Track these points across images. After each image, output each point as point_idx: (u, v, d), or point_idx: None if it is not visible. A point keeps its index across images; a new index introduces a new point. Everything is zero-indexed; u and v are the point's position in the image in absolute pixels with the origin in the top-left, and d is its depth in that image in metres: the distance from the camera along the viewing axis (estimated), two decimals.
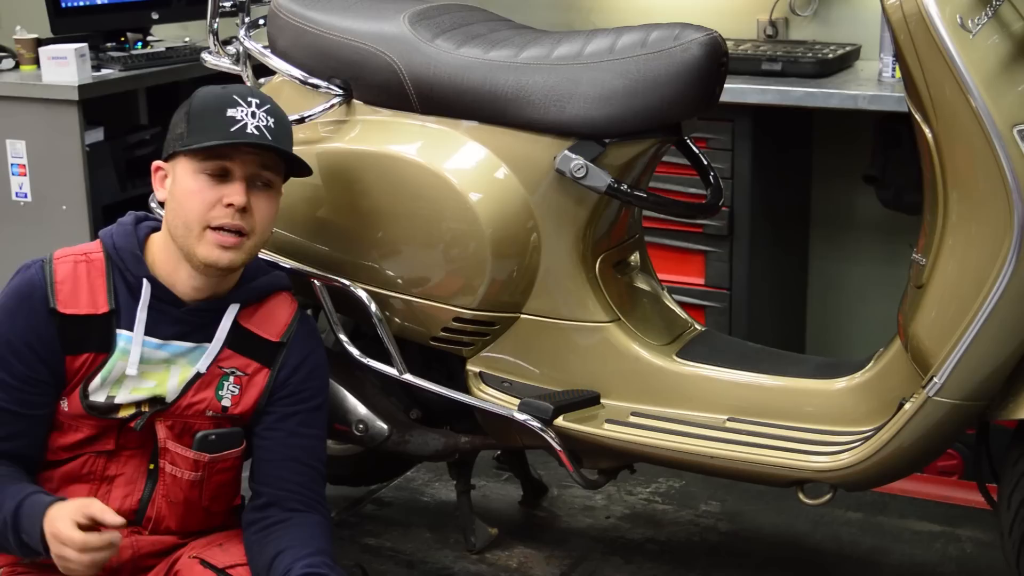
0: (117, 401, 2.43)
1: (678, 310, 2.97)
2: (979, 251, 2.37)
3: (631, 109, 2.63)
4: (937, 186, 2.42)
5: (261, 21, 3.05)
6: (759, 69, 3.80)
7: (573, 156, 2.64)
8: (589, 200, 2.71)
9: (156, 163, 2.49)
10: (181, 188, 2.41)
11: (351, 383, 2.97)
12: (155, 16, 4.57)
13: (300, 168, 2.52)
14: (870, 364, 2.66)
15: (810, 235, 4.28)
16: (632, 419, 2.76)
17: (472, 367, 2.86)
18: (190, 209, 2.39)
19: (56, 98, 4.15)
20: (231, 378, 2.50)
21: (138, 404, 2.44)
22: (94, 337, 2.42)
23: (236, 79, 3.03)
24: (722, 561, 3.16)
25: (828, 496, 2.67)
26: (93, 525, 2.23)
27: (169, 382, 2.45)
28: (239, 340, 2.51)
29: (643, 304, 2.90)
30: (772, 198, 3.95)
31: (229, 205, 2.38)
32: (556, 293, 2.78)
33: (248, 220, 2.40)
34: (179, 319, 2.46)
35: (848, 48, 3.96)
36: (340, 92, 2.85)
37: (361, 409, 2.97)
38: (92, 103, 4.19)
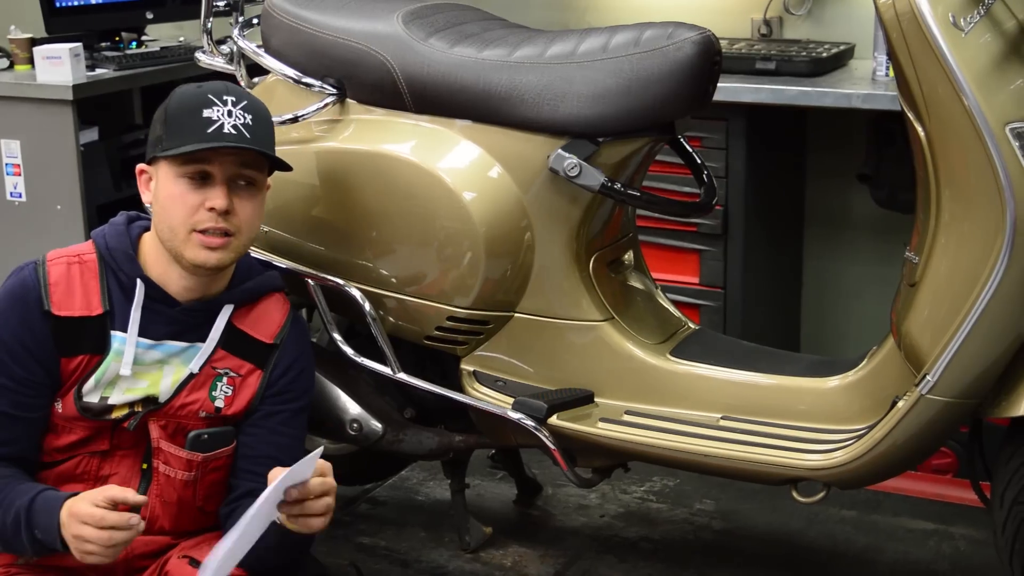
0: (111, 402, 2.42)
1: (672, 309, 2.98)
2: (971, 249, 2.38)
3: (624, 108, 2.63)
4: (930, 185, 2.42)
5: (255, 20, 3.05)
6: (753, 68, 3.80)
7: (567, 155, 2.65)
8: (583, 199, 2.71)
9: (140, 166, 2.48)
10: (164, 192, 2.41)
11: (345, 382, 2.97)
12: (149, 16, 4.57)
13: (280, 163, 2.51)
14: (863, 362, 2.66)
15: (804, 234, 4.29)
16: (626, 418, 2.76)
17: (466, 366, 2.86)
18: (174, 214, 2.39)
19: (51, 98, 4.15)
20: (224, 379, 2.49)
21: (131, 404, 2.44)
22: (88, 339, 2.42)
23: (230, 78, 3.03)
24: (716, 560, 3.16)
25: (822, 494, 2.67)
26: (113, 509, 2.23)
27: (162, 382, 2.45)
28: (233, 341, 2.51)
29: (637, 303, 2.90)
30: (766, 197, 3.95)
31: (211, 209, 2.38)
32: (550, 292, 2.78)
33: (232, 221, 2.40)
34: (173, 319, 2.46)
35: (842, 47, 3.97)
36: (334, 91, 2.85)
37: (355, 408, 2.97)
38: (87, 103, 4.19)
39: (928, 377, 2.44)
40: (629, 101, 2.62)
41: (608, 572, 3.10)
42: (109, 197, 4.32)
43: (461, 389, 2.86)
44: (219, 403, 2.48)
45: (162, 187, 2.41)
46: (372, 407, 2.97)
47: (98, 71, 4.29)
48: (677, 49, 2.60)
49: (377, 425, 2.95)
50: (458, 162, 2.75)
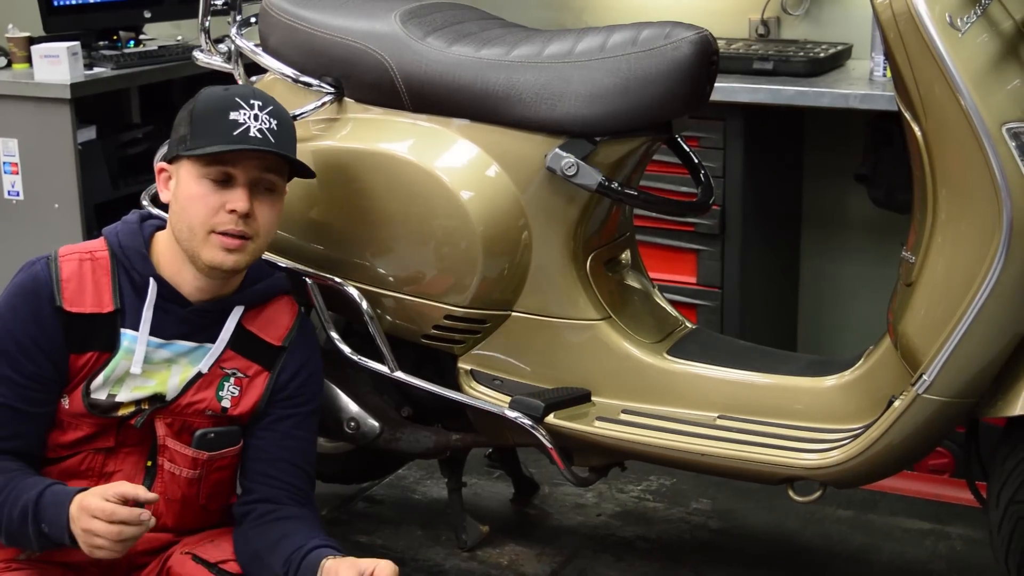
0: (118, 399, 2.43)
1: (669, 308, 2.98)
2: (968, 249, 2.38)
3: (622, 107, 2.63)
4: (927, 184, 2.43)
5: (253, 19, 3.05)
6: (751, 68, 3.81)
7: (564, 154, 2.65)
8: (580, 198, 2.72)
9: (160, 164, 2.49)
10: (185, 192, 2.42)
11: (342, 381, 2.98)
12: (147, 15, 4.57)
13: (303, 169, 2.52)
14: (860, 362, 2.67)
15: (801, 234, 4.29)
16: (623, 417, 2.76)
17: (463, 365, 2.86)
18: (194, 214, 2.40)
19: (48, 96, 4.15)
20: (232, 379, 2.50)
21: (138, 402, 2.44)
22: (98, 336, 2.42)
23: (228, 77, 3.03)
24: (712, 559, 3.16)
25: (818, 493, 2.67)
26: (124, 505, 2.23)
27: (170, 381, 2.46)
28: (242, 342, 2.52)
29: (634, 302, 2.91)
30: (764, 197, 3.95)
31: (232, 211, 2.39)
32: (547, 291, 2.79)
33: (251, 225, 2.41)
34: (184, 319, 2.46)
35: (839, 47, 3.97)
36: (331, 90, 2.85)
37: (353, 407, 2.97)
38: (84, 101, 4.20)
39: (924, 377, 2.44)
40: (626, 100, 2.63)
41: (605, 571, 3.11)
42: (107, 196, 4.32)
43: (458, 388, 2.86)
44: (225, 403, 2.49)
45: (183, 187, 2.42)
46: (369, 406, 2.97)
47: (96, 70, 4.30)
48: (674, 49, 2.60)
49: (374, 423, 2.95)
50: (456, 161, 2.75)
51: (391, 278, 2.82)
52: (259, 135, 2.39)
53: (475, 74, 2.71)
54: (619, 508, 3.40)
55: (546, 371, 2.82)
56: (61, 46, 4.13)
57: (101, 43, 4.45)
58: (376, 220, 2.79)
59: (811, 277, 4.30)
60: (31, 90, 4.19)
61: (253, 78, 3.04)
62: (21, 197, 4.26)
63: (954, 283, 2.41)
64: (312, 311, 2.95)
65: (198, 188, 2.40)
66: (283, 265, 2.86)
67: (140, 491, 2.23)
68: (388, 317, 2.86)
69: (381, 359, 2.86)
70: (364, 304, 2.83)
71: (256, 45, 2.98)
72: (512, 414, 2.76)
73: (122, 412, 2.44)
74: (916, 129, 2.41)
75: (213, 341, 2.49)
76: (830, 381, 2.68)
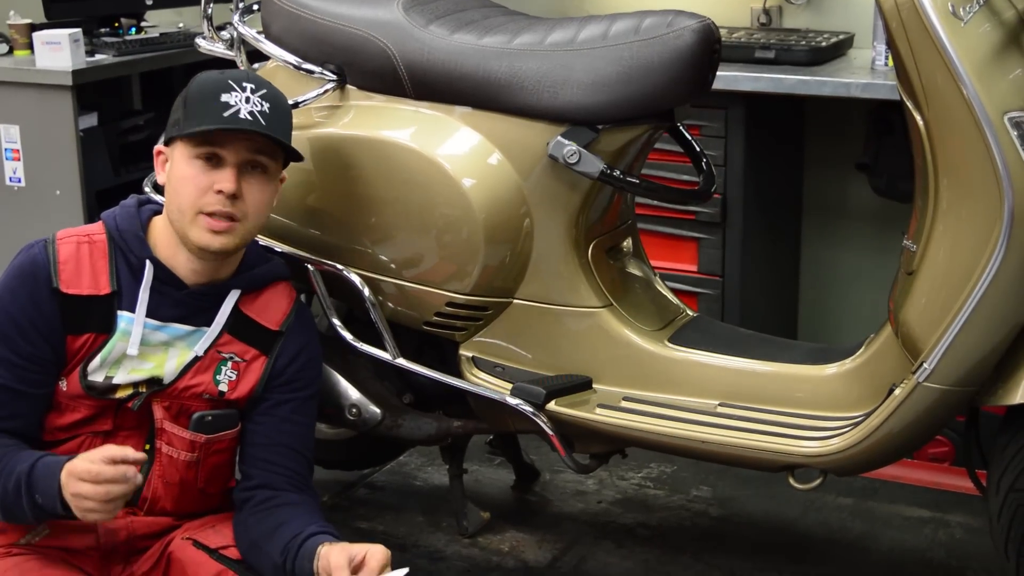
0: (115, 382, 2.44)
1: (670, 296, 2.98)
2: (969, 238, 2.38)
3: (624, 95, 2.64)
4: (928, 173, 2.43)
5: (255, 6, 3.05)
6: (752, 57, 3.81)
7: (566, 142, 2.65)
8: (582, 186, 2.72)
9: (157, 147, 2.50)
10: (176, 173, 2.43)
11: (344, 367, 2.98)
12: (149, 2, 4.57)
13: (292, 153, 2.53)
14: (861, 350, 2.67)
15: (802, 222, 4.30)
16: (624, 404, 2.77)
17: (465, 352, 2.87)
18: (184, 194, 2.41)
19: (50, 83, 4.15)
20: (229, 363, 2.51)
21: (136, 385, 2.45)
22: (95, 318, 2.43)
23: (230, 64, 3.04)
24: (713, 546, 3.17)
25: (818, 481, 2.68)
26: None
27: (167, 364, 2.46)
28: (239, 326, 2.52)
29: (635, 290, 2.91)
30: (765, 185, 3.96)
31: (219, 191, 2.39)
32: (549, 278, 2.79)
33: (239, 206, 2.41)
34: (180, 301, 2.47)
35: (841, 36, 3.97)
36: (334, 77, 2.85)
37: (354, 393, 2.98)
38: (86, 88, 4.20)
39: (925, 365, 2.44)
40: (629, 89, 2.63)
41: (605, 557, 3.12)
42: (108, 182, 4.33)
43: (460, 375, 2.86)
44: (223, 387, 2.49)
45: (176, 168, 2.43)
46: (371, 392, 2.98)
47: (97, 57, 4.30)
48: (677, 37, 2.60)
49: (376, 410, 2.96)
50: (458, 148, 2.75)
51: (393, 265, 2.82)
52: (249, 117, 2.39)
53: (477, 62, 2.71)
54: (620, 495, 3.41)
55: (547, 358, 2.83)
56: (63, 33, 4.13)
57: (103, 30, 4.45)
58: (378, 207, 2.80)
59: (812, 265, 4.30)
60: (33, 77, 4.19)
61: (255, 65, 3.04)
62: (23, 183, 4.26)
63: (955, 272, 2.41)
64: (314, 298, 2.96)
65: (188, 169, 2.41)
66: (284, 251, 2.86)
67: (127, 451, 2.24)
68: (390, 304, 2.86)
69: (383, 346, 2.86)
70: (366, 291, 2.84)
71: (258, 32, 2.98)
72: (513, 401, 2.76)
73: (119, 395, 2.44)
74: (918, 118, 2.42)
75: (210, 325, 2.50)
76: (831, 369, 2.68)
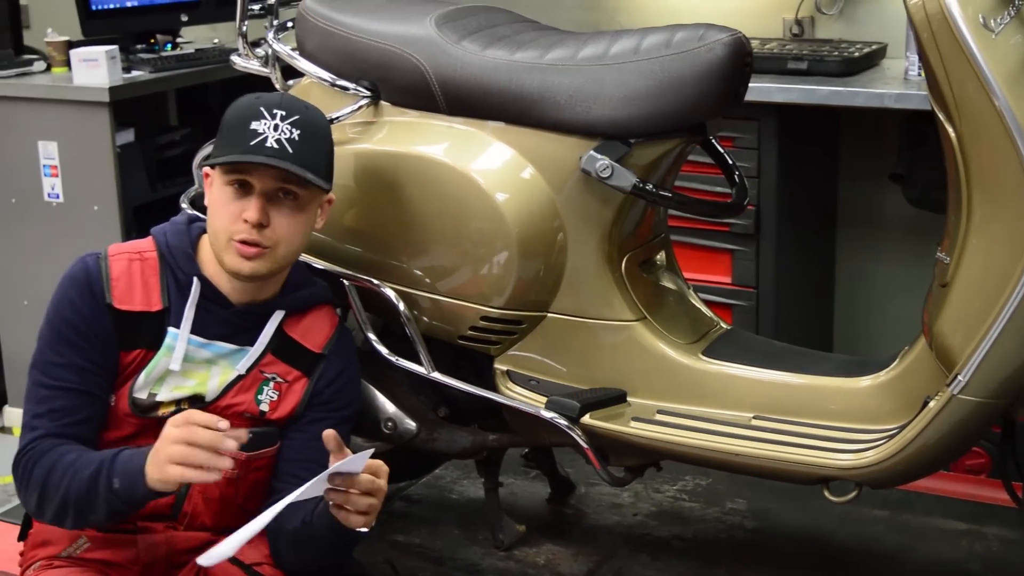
0: (159, 399, 2.46)
1: (704, 309, 2.99)
2: (1003, 249, 2.38)
3: (656, 109, 2.64)
4: (961, 185, 2.43)
5: (289, 23, 3.07)
6: (785, 68, 3.81)
7: (598, 156, 2.66)
8: (615, 200, 2.73)
9: (205, 169, 2.53)
10: (212, 198, 2.47)
11: (380, 381, 2.99)
12: (184, 18, 4.60)
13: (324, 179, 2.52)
14: (895, 362, 2.67)
15: (837, 234, 4.29)
16: (658, 417, 2.77)
17: (500, 365, 2.87)
18: (216, 220, 2.44)
19: (87, 100, 4.19)
20: (271, 384, 2.53)
21: (178, 402, 2.48)
22: (146, 334, 2.46)
23: (265, 81, 3.06)
24: (748, 558, 3.17)
25: (853, 494, 2.67)
26: None
27: (210, 382, 2.49)
28: (283, 347, 2.54)
29: (669, 303, 2.91)
30: (798, 197, 3.95)
31: (247, 221, 2.41)
32: (582, 292, 2.80)
33: (267, 234, 2.42)
34: (225, 320, 2.50)
35: (874, 46, 3.97)
36: (368, 94, 2.87)
37: (390, 407, 2.99)
38: (122, 105, 4.23)
39: (959, 377, 2.44)
40: (660, 103, 2.64)
41: (641, 570, 3.11)
42: (145, 198, 4.36)
43: (495, 388, 2.87)
44: (264, 407, 2.51)
45: (212, 192, 2.47)
46: (406, 406, 2.99)
47: (134, 73, 4.33)
48: (708, 51, 2.61)
49: (411, 424, 2.97)
50: (491, 163, 2.76)
51: (427, 280, 2.84)
52: (275, 145, 2.40)
53: (510, 77, 2.73)
54: (655, 508, 3.41)
55: (582, 372, 2.83)
56: (99, 50, 4.17)
57: (139, 46, 4.49)
58: (412, 222, 2.81)
59: (846, 277, 4.30)
60: (70, 93, 4.23)
61: (290, 82, 3.06)
62: (61, 199, 4.30)
63: (989, 283, 2.40)
64: (349, 313, 2.98)
65: (221, 195, 2.44)
66: (320, 266, 2.88)
67: (220, 421, 2.23)
68: (425, 318, 2.88)
69: (418, 360, 2.87)
70: (401, 305, 2.85)
71: (293, 49, 3.00)
72: (548, 414, 2.77)
73: (162, 412, 2.46)
74: (950, 130, 2.41)
75: (253, 344, 2.52)
76: (865, 381, 2.68)
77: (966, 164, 2.40)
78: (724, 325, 2.97)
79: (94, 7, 4.41)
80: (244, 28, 3.07)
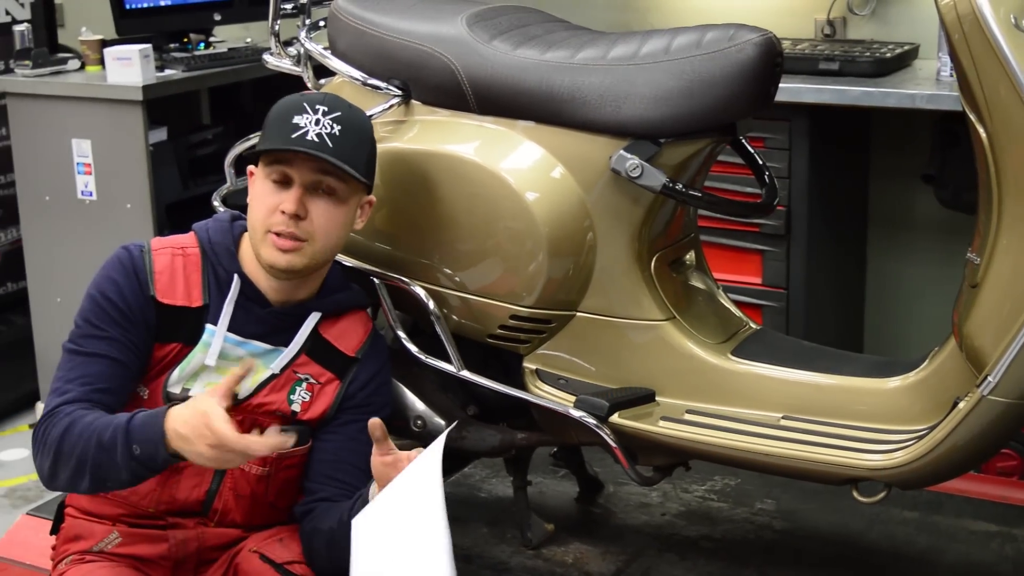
0: (191, 394, 2.47)
1: (733, 308, 2.98)
2: None
3: (686, 109, 2.64)
4: (991, 186, 2.42)
5: (322, 23, 3.09)
6: (816, 68, 3.81)
7: (628, 156, 2.66)
8: (644, 199, 2.73)
9: (249, 168, 2.55)
10: (253, 192, 2.50)
11: (409, 379, 3.00)
12: (217, 17, 4.63)
13: (365, 175, 2.54)
14: (925, 363, 2.66)
15: (868, 234, 4.28)
16: (687, 417, 2.77)
17: (529, 364, 2.88)
18: (255, 213, 2.46)
19: (120, 98, 4.22)
20: (304, 384, 2.55)
21: None
22: (184, 329, 2.48)
23: (297, 80, 3.07)
24: (777, 559, 3.16)
25: (883, 495, 2.67)
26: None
27: (243, 380, 2.50)
28: (317, 349, 2.56)
29: (698, 302, 2.91)
30: (830, 197, 3.95)
31: (283, 212, 2.43)
32: (612, 291, 2.80)
33: (304, 227, 2.44)
34: (262, 319, 2.51)
35: (906, 47, 3.96)
36: (399, 93, 2.88)
37: (419, 405, 3.00)
38: (156, 103, 4.26)
39: (989, 378, 2.43)
40: (691, 102, 2.63)
41: (669, 570, 3.11)
42: (177, 196, 4.40)
43: (524, 387, 2.88)
44: (296, 407, 2.53)
45: (254, 187, 2.50)
46: (435, 404, 3.00)
47: (167, 72, 4.36)
48: (739, 51, 2.61)
49: (440, 422, 2.98)
50: (521, 163, 2.77)
51: (457, 278, 2.84)
52: (315, 139, 2.42)
53: (540, 76, 2.73)
54: (683, 508, 3.41)
55: (611, 371, 2.84)
56: (133, 48, 4.20)
57: (172, 45, 4.52)
58: (442, 221, 2.82)
59: (877, 277, 4.29)
60: (104, 92, 4.26)
61: (322, 81, 3.08)
62: (94, 197, 4.33)
63: (1019, 285, 2.39)
64: (380, 311, 2.99)
65: (262, 188, 2.46)
66: (350, 264, 2.89)
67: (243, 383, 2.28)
68: (454, 317, 2.88)
69: (447, 358, 2.88)
70: (431, 304, 2.86)
71: (325, 48, 3.01)
72: (577, 413, 2.77)
73: None
74: (981, 130, 2.41)
75: (288, 345, 2.54)
76: (894, 382, 2.67)
77: (997, 165, 2.39)
78: (753, 325, 2.96)
79: (128, 6, 4.44)
80: (277, 27, 3.08)
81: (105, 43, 4.40)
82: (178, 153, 4.43)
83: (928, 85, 3.69)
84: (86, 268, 2.56)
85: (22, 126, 4.46)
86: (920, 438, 2.57)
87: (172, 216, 4.32)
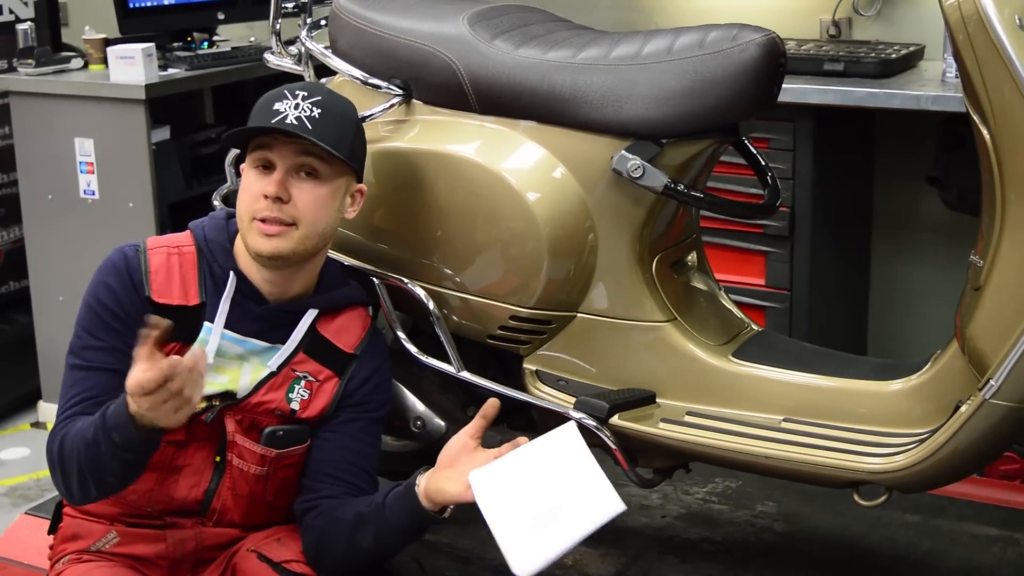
0: None
1: (735, 310, 2.97)
2: None
3: (688, 110, 2.63)
4: (995, 188, 2.41)
5: (323, 22, 3.08)
6: (821, 69, 3.80)
7: (630, 156, 2.65)
8: (646, 200, 2.72)
9: (243, 165, 2.55)
10: (241, 183, 2.49)
11: (409, 380, 3.00)
12: (221, 16, 4.63)
13: (351, 161, 2.53)
14: (927, 366, 2.65)
15: (872, 236, 4.27)
16: (687, 419, 2.76)
17: (529, 365, 2.87)
18: (241, 201, 2.47)
19: (123, 97, 4.22)
20: (302, 382, 2.54)
21: (209, 398, 2.48)
22: (182, 328, 2.46)
23: (299, 79, 3.07)
24: (778, 561, 3.15)
25: (883, 498, 2.65)
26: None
27: (241, 379, 2.50)
28: (315, 346, 2.55)
29: (700, 304, 2.90)
30: (833, 199, 3.94)
31: (266, 196, 2.42)
32: (613, 292, 2.79)
33: (287, 210, 2.44)
34: (259, 317, 2.50)
35: (912, 48, 3.95)
36: (400, 92, 2.87)
37: (419, 406, 2.99)
38: (158, 102, 4.26)
39: (992, 382, 2.42)
40: (693, 103, 2.62)
41: (669, 572, 3.10)
42: (180, 195, 4.40)
43: (523, 388, 2.87)
44: (295, 405, 2.52)
45: (242, 181, 2.49)
46: (435, 405, 2.99)
47: (170, 71, 4.36)
48: (741, 51, 2.60)
49: (440, 423, 2.97)
50: (522, 163, 2.76)
51: (457, 278, 2.84)
52: (295, 122, 2.42)
53: (542, 76, 2.72)
54: (684, 510, 3.40)
55: (611, 372, 2.83)
56: (136, 47, 4.20)
57: (175, 44, 4.52)
58: (443, 221, 2.81)
59: (881, 279, 4.28)
60: (107, 91, 4.26)
61: (323, 80, 3.07)
62: (96, 196, 4.33)
63: (1023, 288, 2.38)
64: (379, 311, 2.98)
65: (248, 177, 2.47)
66: (350, 264, 2.89)
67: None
68: (454, 317, 2.88)
69: (447, 359, 2.87)
70: (431, 304, 2.85)
71: (326, 47, 3.01)
72: (577, 415, 2.76)
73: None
74: (984, 132, 2.39)
75: (285, 343, 2.53)
76: (896, 385, 2.66)
77: (1000, 166, 2.38)
78: (755, 327, 2.95)
79: (131, 5, 4.44)
80: (278, 26, 3.08)
81: (108, 42, 4.40)
82: (181, 152, 4.43)
83: (933, 86, 3.68)
84: (88, 267, 2.55)
85: (25, 125, 4.46)
86: (922, 441, 2.56)
87: (175, 215, 4.32)
